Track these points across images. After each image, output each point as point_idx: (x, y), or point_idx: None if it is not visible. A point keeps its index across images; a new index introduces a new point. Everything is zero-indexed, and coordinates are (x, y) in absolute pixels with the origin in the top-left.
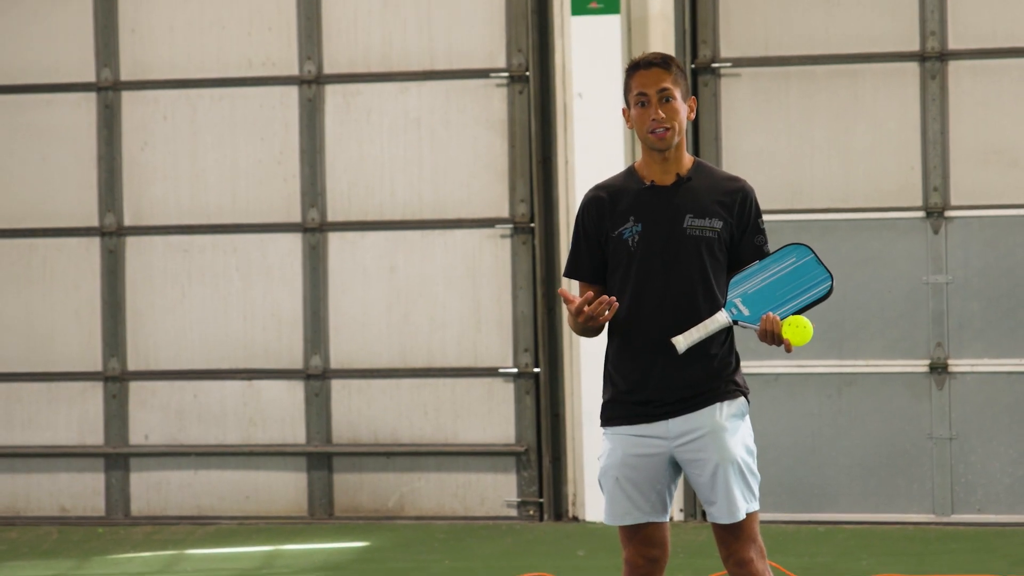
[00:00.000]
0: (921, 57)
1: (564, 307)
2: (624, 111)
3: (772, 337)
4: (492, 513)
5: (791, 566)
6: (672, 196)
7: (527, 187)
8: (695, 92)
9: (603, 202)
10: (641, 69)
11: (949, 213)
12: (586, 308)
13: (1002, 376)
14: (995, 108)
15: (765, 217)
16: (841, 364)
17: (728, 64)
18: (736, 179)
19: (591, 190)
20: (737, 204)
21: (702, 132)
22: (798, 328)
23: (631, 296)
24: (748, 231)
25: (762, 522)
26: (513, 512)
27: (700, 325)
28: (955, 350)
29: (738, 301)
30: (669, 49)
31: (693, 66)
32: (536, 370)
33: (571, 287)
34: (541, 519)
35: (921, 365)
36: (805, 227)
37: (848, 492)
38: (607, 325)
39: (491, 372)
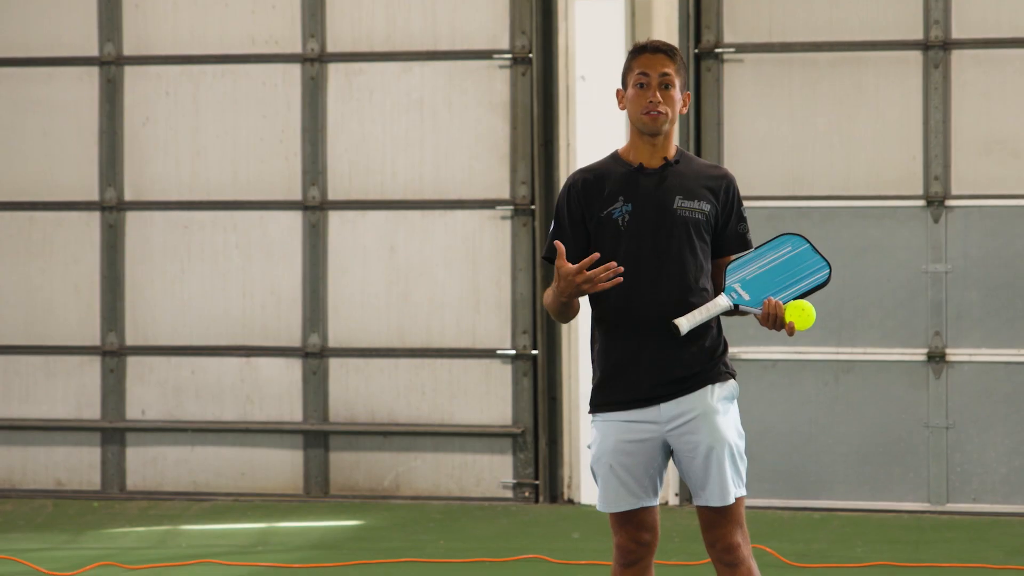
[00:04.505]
0: (924, 46)
1: (553, 285)
2: (618, 92)
3: (775, 321)
4: (488, 494)
5: (786, 552)
6: (661, 178)
7: (528, 169)
8: (698, 77)
9: (589, 183)
10: (647, 52)
11: (949, 202)
12: (586, 272)
13: (1000, 366)
14: (997, 98)
15: (766, 204)
16: (839, 351)
17: (731, 49)
18: (719, 167)
19: (577, 172)
20: (723, 191)
21: (704, 118)
22: (802, 312)
23: (622, 276)
24: (732, 218)
25: (758, 508)
26: (509, 493)
27: (703, 308)
28: (953, 339)
29: (737, 286)
30: (673, 33)
31: (696, 51)
32: (534, 352)
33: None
34: (536, 501)
35: (919, 354)
36: (805, 214)
37: (844, 479)
38: (592, 308)
39: (489, 353)
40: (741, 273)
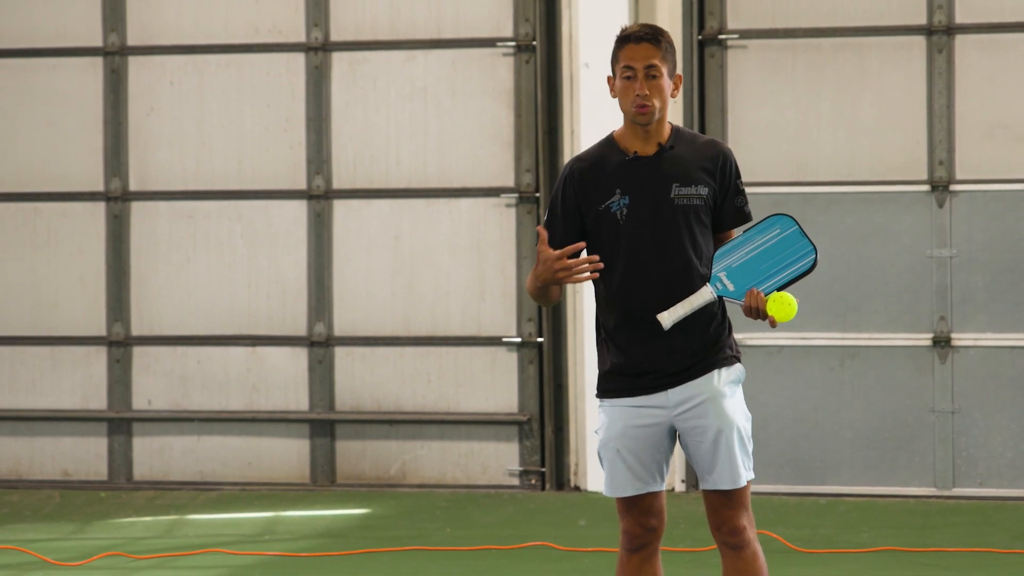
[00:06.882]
0: (928, 31)
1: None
2: (609, 79)
3: (757, 313)
4: (494, 482)
5: (792, 538)
6: (656, 166)
7: (532, 157)
8: (701, 64)
9: (586, 173)
10: (631, 43)
11: (954, 187)
12: (567, 260)
13: (1005, 350)
14: (1001, 83)
15: (770, 189)
16: (844, 337)
17: (735, 36)
18: (715, 143)
19: (573, 161)
20: (719, 168)
21: (708, 104)
22: (783, 305)
23: (624, 269)
24: (729, 193)
25: (764, 494)
26: (515, 481)
27: (685, 301)
28: (958, 324)
29: (723, 275)
30: (676, 20)
31: (700, 37)
32: (539, 340)
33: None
34: (543, 488)
35: (924, 338)
36: (810, 200)
37: (850, 464)
38: (597, 297)
39: (495, 341)
40: (728, 260)
